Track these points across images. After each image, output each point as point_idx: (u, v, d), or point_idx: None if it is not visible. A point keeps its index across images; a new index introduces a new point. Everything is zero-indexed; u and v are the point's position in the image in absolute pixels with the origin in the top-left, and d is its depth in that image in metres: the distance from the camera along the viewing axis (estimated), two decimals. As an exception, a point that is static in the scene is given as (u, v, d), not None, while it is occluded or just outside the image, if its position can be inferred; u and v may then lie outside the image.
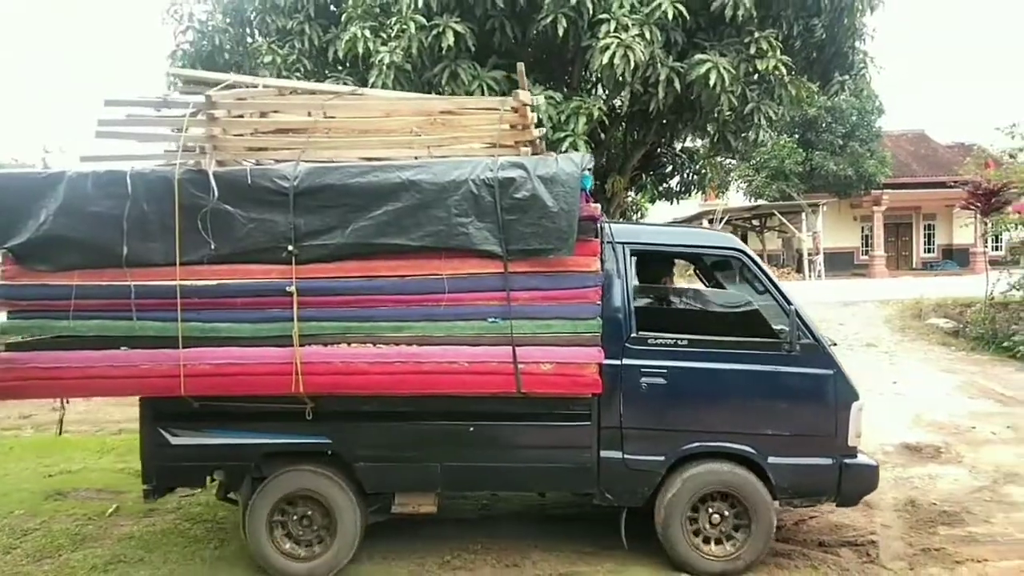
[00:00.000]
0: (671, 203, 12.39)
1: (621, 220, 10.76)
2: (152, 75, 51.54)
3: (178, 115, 4.40)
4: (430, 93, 7.24)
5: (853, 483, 4.54)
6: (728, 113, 7.73)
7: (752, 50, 6.88)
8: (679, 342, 4.53)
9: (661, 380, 4.46)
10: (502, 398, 4.28)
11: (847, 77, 8.88)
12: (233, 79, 5.05)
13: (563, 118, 6.74)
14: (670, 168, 11.07)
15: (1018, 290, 12.75)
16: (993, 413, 8.36)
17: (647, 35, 6.48)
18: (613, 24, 6.48)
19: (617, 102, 9.21)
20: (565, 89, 7.75)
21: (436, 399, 4.35)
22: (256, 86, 5.10)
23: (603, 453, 4.47)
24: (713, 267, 5.40)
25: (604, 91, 8.06)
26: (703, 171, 11.00)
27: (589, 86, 8.40)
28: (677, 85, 6.81)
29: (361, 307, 4.27)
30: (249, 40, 8.45)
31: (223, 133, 4.41)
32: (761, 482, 4.48)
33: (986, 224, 15.23)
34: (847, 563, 4.69)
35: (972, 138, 25.82)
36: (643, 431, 4.49)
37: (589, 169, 4.32)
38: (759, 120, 7.41)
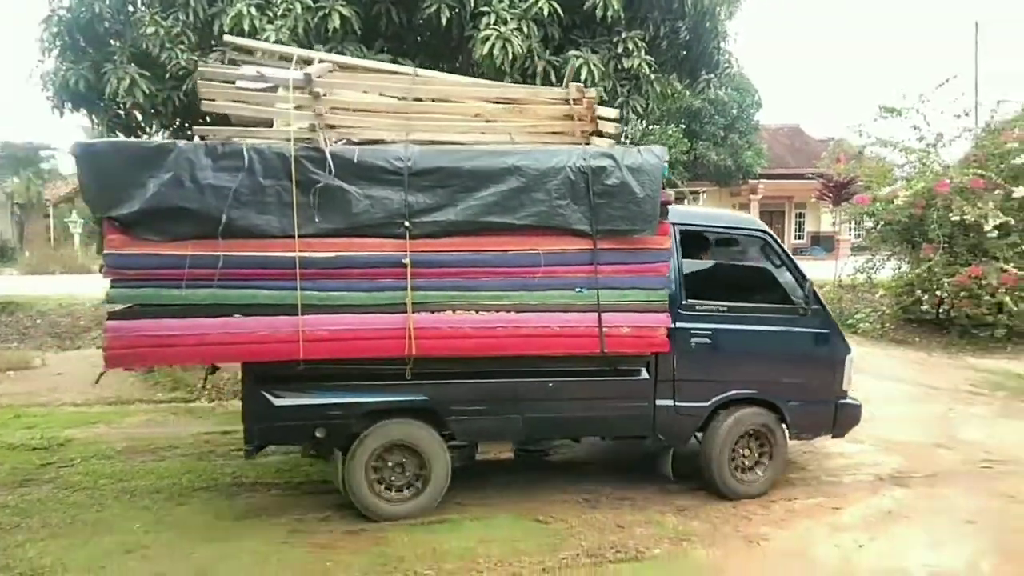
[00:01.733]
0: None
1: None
2: (25, 38, 47.44)
3: (257, 90, 4.63)
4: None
5: (846, 420, 5.74)
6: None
7: (620, 49, 7.46)
8: (719, 308, 5.42)
9: (707, 340, 5.36)
10: (577, 357, 4.95)
11: (713, 75, 9.66)
12: (285, 51, 5.35)
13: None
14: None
15: (862, 274, 14.24)
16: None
17: (525, 29, 6.92)
18: (493, 17, 6.87)
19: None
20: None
21: (519, 359, 4.91)
22: (311, 61, 5.21)
23: (658, 402, 5.27)
24: (743, 244, 6.13)
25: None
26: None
27: (474, 74, 8.79)
28: (553, 78, 7.29)
29: (466, 278, 4.76)
30: (131, 9, 8.28)
31: (329, 112, 4.61)
32: (781, 422, 5.52)
33: (839, 213, 16.80)
34: (682, 503, 5.38)
35: (843, 132, 28.05)
36: (691, 382, 5.33)
37: (667, 160, 5.00)
38: (628, 113, 8.02)
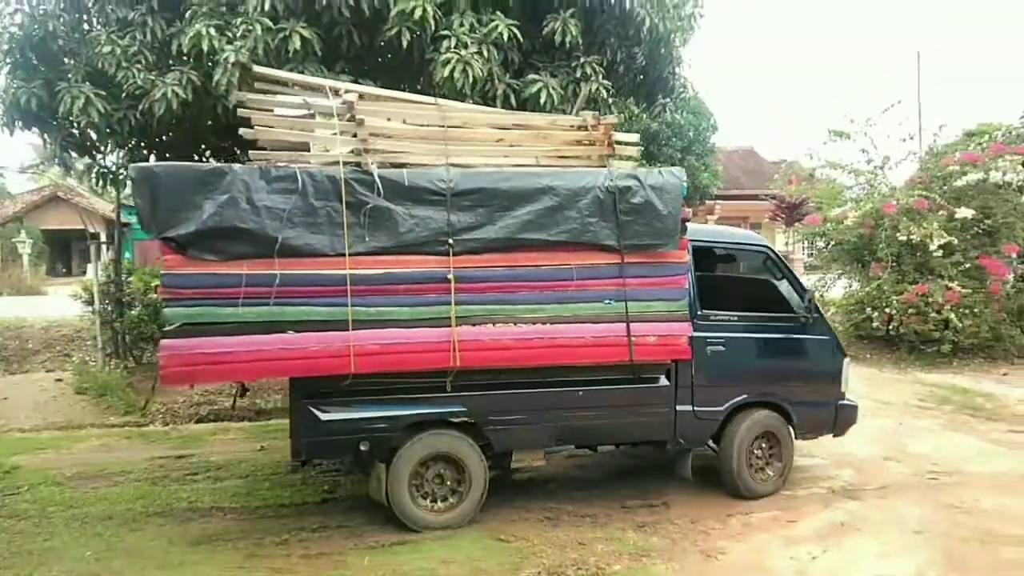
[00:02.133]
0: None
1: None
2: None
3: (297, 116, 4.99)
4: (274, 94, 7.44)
5: (845, 420, 6.25)
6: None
7: (579, 73, 7.63)
8: (732, 318, 5.82)
9: (721, 347, 5.72)
10: (603, 366, 5.28)
11: (668, 100, 9.92)
12: (315, 82, 5.60)
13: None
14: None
15: (814, 292, 14.56)
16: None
17: (485, 53, 7.03)
18: (453, 40, 6.98)
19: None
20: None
21: (550, 369, 5.20)
22: (339, 91, 5.45)
23: (678, 407, 5.60)
24: (748, 258, 6.59)
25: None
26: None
27: (435, 95, 8.88)
28: (513, 101, 7.41)
29: (504, 292, 5.04)
30: (86, 28, 8.18)
31: (369, 138, 4.94)
32: (788, 424, 5.96)
33: (792, 233, 17.25)
34: (642, 520, 5.44)
35: (795, 155, 28.89)
36: (708, 388, 5.68)
37: (686, 180, 5.42)
38: (587, 135, 8.18)
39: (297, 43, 6.88)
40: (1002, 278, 12.59)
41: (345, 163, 4.78)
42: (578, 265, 5.15)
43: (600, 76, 7.66)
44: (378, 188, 4.75)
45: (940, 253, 12.59)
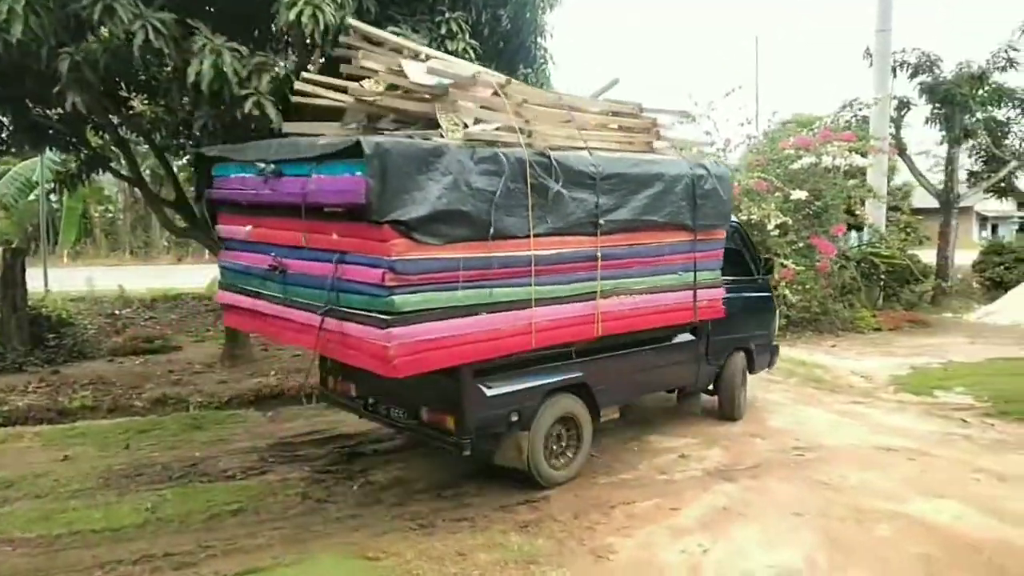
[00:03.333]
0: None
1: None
2: None
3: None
4: (76, 26, 6.13)
5: (775, 358, 8.35)
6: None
7: (443, 30, 6.96)
8: (728, 282, 6.80)
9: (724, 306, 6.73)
10: (664, 328, 6.25)
11: (530, 70, 9.48)
12: (408, 44, 5.61)
13: (244, 74, 6.15)
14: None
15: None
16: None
17: (338, -2, 6.17)
18: (301, -20, 6.06)
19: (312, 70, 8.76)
20: (251, 45, 7.09)
21: (633, 335, 5.91)
22: (419, 54, 5.53)
23: (701, 357, 6.97)
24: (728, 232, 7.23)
25: (296, 55, 7.58)
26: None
27: (277, 47, 7.86)
28: (370, 54, 6.61)
29: (625, 268, 5.68)
30: None
31: (529, 123, 5.05)
32: (750, 362, 7.71)
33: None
34: (523, 519, 5.00)
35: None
36: (716, 340, 7.04)
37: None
38: (451, 100, 7.53)
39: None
40: (829, 256, 13.51)
41: (502, 143, 4.81)
42: (668, 243, 5.98)
43: (467, 34, 7.03)
44: (555, 171, 4.96)
45: (776, 232, 13.26)
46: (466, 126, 4.75)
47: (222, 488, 5.61)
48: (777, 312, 8.01)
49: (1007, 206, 47.07)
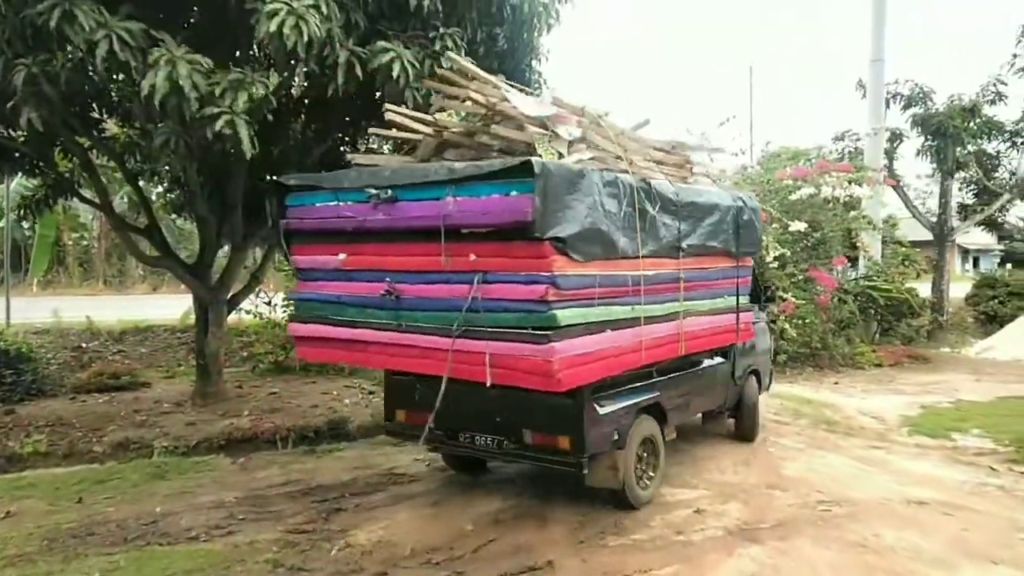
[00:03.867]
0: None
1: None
2: None
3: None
4: (34, 35, 5.58)
5: (771, 380, 8.74)
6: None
7: (437, 46, 6.48)
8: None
9: None
10: (714, 350, 6.74)
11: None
12: (487, 77, 5.58)
13: (217, 91, 5.59)
14: (354, 171, 10.31)
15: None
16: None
17: (324, 9, 5.67)
18: (283, -12, 5.57)
19: (294, 90, 8.26)
20: (231, 64, 6.57)
21: (691, 356, 6.27)
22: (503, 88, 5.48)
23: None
24: None
25: (276, 72, 7.07)
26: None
27: (259, 61, 7.35)
28: (359, 71, 6.11)
29: (695, 290, 6.00)
30: None
31: (627, 152, 5.51)
32: (759, 383, 8.04)
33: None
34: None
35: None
36: (741, 362, 7.40)
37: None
38: (443, 122, 7.04)
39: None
40: (831, 289, 13.11)
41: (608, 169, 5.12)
42: (721, 268, 6.44)
43: (463, 52, 6.56)
44: (654, 197, 5.38)
45: (775, 265, 12.87)
46: (561, 155, 4.96)
47: (183, 552, 4.94)
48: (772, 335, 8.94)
49: (988, 239, 47.63)
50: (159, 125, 6.15)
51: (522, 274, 4.49)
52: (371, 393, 10.03)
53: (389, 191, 4.84)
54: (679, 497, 6.07)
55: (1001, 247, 48.85)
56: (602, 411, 5.19)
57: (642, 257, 5.20)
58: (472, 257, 4.60)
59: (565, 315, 4.49)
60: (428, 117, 5.57)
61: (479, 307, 4.60)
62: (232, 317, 10.66)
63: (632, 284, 5.12)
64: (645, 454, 5.78)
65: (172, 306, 15.85)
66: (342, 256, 5.25)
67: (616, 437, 5.32)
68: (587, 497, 5.85)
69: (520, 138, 5.05)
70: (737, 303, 6.75)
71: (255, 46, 7.14)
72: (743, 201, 6.71)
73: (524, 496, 6.05)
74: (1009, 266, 37.57)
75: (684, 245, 5.75)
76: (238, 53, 7.14)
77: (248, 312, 11.55)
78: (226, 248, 10.09)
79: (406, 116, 5.63)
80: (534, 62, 8.83)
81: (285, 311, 11.71)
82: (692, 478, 6.58)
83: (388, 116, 5.59)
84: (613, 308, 4.97)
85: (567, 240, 4.47)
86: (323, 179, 5.42)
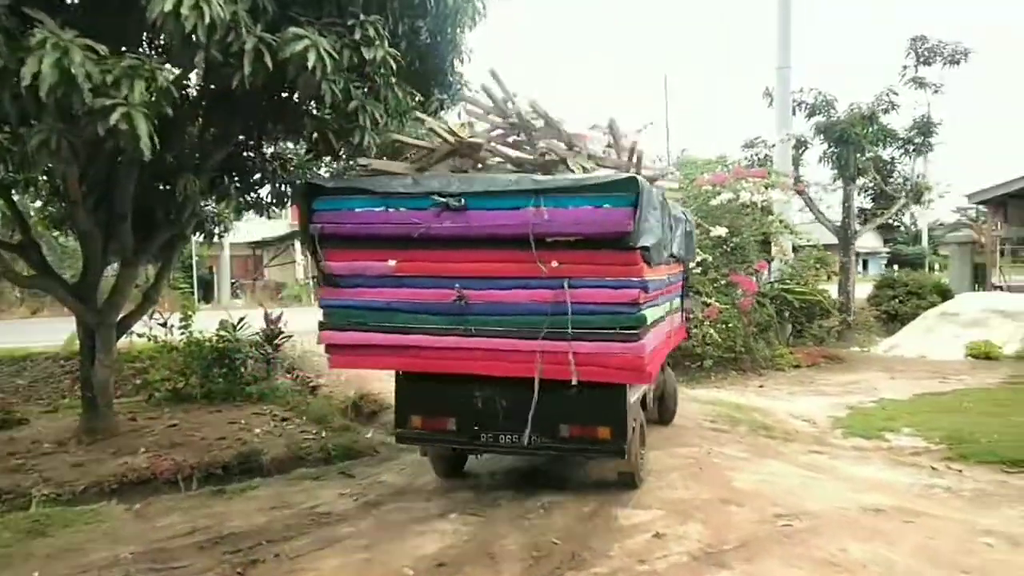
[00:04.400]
0: (261, 215, 10.76)
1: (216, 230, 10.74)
2: None
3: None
4: None
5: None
6: (328, 109, 6.63)
7: (358, 35, 5.85)
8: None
9: None
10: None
11: (445, 96, 8.56)
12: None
13: (110, 80, 4.79)
14: (259, 175, 9.47)
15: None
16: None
17: (227, -11, 4.96)
18: (179, -35, 4.82)
19: (191, 89, 7.41)
20: (124, 48, 5.73)
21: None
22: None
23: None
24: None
25: (172, 61, 6.24)
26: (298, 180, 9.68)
27: (151, 46, 6.51)
28: (268, 61, 5.40)
29: (671, 293, 6.86)
30: None
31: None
32: None
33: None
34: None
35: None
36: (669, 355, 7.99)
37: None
38: (364, 121, 6.40)
39: None
40: (752, 292, 13.21)
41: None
42: (677, 273, 7.14)
43: (386, 43, 5.98)
44: (670, 206, 6.22)
45: (699, 270, 12.84)
46: (585, 169, 5.64)
47: None
48: None
49: (875, 242, 50.64)
50: (33, 124, 5.25)
51: (609, 279, 5.04)
52: (284, 420, 9.20)
53: (462, 200, 5.08)
54: (634, 520, 5.65)
55: (887, 250, 52.22)
56: (632, 400, 5.70)
57: (663, 263, 6.02)
58: (554, 264, 5.02)
59: (648, 315, 5.25)
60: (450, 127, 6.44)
61: (563, 310, 5.02)
62: (123, 341, 9.56)
63: (665, 286, 6.16)
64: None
65: (55, 331, 14.27)
66: (392, 262, 5.37)
67: (635, 424, 5.85)
68: (536, 529, 5.36)
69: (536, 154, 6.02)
70: (682, 304, 7.80)
71: (146, 31, 6.29)
72: (683, 214, 7.60)
73: (465, 532, 5.49)
74: (896, 267, 40.07)
75: (675, 251, 6.53)
76: (125, 39, 6.26)
77: (141, 335, 10.41)
78: (115, 265, 9.04)
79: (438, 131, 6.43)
80: (456, 62, 8.34)
81: (190, 333, 10.68)
82: (644, 496, 6.17)
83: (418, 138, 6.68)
84: (656, 309, 5.77)
85: (650, 248, 5.14)
86: (368, 184, 5.51)
